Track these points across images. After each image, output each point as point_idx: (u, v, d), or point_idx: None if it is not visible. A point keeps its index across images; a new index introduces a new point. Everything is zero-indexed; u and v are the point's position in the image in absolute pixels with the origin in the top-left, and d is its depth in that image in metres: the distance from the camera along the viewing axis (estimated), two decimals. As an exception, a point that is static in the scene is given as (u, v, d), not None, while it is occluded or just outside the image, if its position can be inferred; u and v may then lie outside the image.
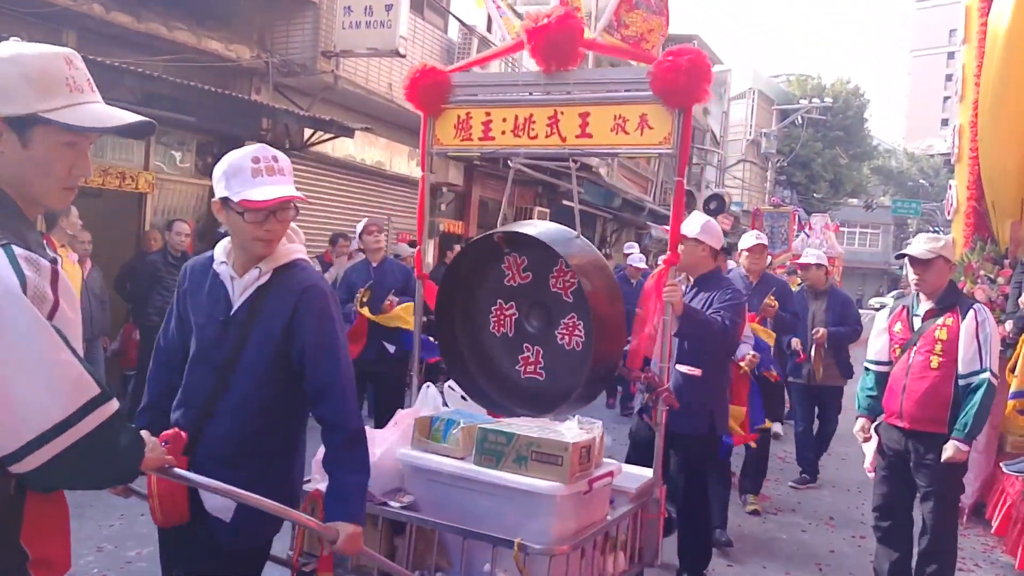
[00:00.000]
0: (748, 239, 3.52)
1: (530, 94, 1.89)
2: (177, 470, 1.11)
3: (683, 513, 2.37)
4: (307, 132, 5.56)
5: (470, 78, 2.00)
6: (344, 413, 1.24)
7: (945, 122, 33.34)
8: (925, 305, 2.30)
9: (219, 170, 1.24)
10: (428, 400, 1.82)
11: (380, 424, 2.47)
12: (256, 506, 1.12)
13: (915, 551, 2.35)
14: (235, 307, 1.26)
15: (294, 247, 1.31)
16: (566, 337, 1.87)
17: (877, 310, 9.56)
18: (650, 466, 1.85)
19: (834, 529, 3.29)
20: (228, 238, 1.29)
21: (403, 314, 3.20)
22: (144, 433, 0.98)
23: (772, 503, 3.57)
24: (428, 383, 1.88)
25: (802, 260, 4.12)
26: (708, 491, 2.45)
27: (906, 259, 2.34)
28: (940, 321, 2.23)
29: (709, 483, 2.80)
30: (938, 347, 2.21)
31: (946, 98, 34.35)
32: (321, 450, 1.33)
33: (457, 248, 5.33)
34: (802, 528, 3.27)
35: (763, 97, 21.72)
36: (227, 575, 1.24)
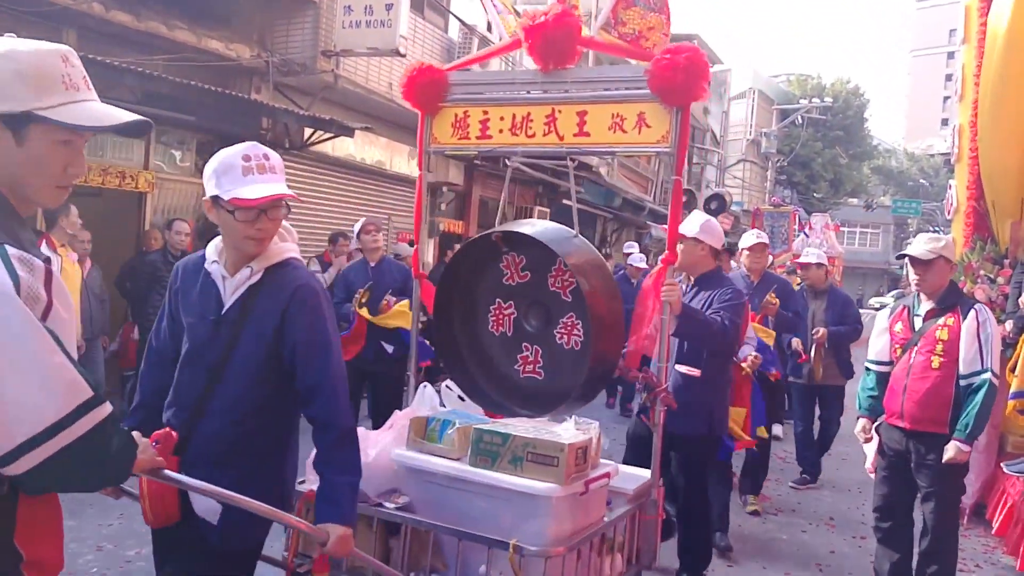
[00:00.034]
0: (749, 238, 3.51)
1: (527, 93, 1.88)
2: (168, 472, 1.10)
3: (683, 513, 2.36)
4: (307, 131, 5.56)
5: (467, 76, 1.99)
6: (335, 413, 1.23)
7: (945, 122, 33.31)
8: (926, 305, 2.30)
9: (210, 168, 1.23)
10: (425, 400, 1.81)
11: (378, 424, 2.47)
12: (246, 508, 1.11)
13: (916, 552, 2.35)
14: (226, 306, 1.25)
15: (286, 246, 1.30)
16: (565, 336, 1.86)
17: (877, 310, 9.55)
18: (648, 467, 1.84)
19: (834, 530, 3.29)
20: (220, 237, 1.28)
21: (402, 311, 3.20)
22: (135, 434, 0.98)
23: (772, 503, 3.56)
24: (425, 383, 1.87)
25: (802, 259, 4.12)
26: (708, 491, 2.44)
27: (907, 259, 2.33)
28: (941, 321, 2.23)
29: (710, 484, 2.80)
30: (939, 347, 2.20)
31: (946, 98, 34.34)
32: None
33: (457, 248, 5.31)
34: (802, 529, 3.26)
35: (763, 97, 21.72)
36: None
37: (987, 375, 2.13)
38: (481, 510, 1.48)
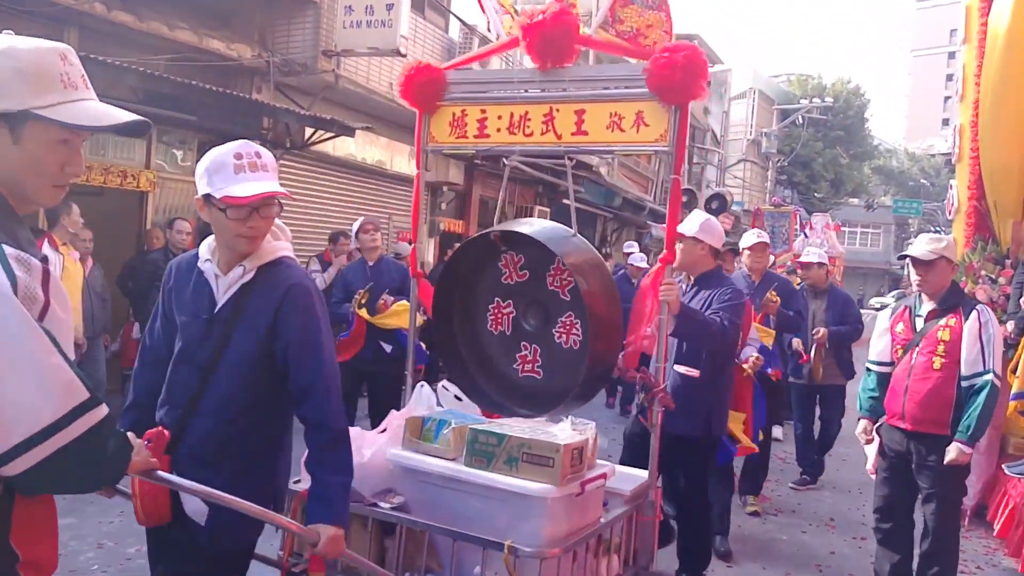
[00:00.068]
0: (749, 237, 3.49)
1: (525, 91, 1.87)
2: (161, 473, 1.10)
3: (682, 514, 2.36)
4: (308, 131, 5.56)
5: (465, 75, 1.97)
6: (328, 413, 1.22)
7: (946, 122, 33.30)
8: (928, 306, 2.29)
9: (201, 167, 1.22)
10: (422, 400, 1.80)
11: (377, 425, 2.46)
12: (237, 509, 1.10)
13: (916, 553, 2.34)
14: (219, 305, 1.24)
15: (279, 245, 1.29)
16: (564, 336, 1.86)
17: (878, 310, 9.52)
18: (646, 467, 1.83)
19: (834, 530, 3.28)
20: (213, 235, 1.28)
21: (400, 311, 3.19)
22: (129, 435, 0.97)
23: (772, 504, 3.56)
24: (423, 382, 1.86)
25: (803, 259, 4.10)
26: (709, 492, 2.43)
27: (908, 260, 2.33)
28: (943, 322, 2.22)
29: (711, 485, 2.79)
30: (941, 348, 2.20)
31: (947, 98, 34.31)
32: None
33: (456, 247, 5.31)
34: (802, 529, 3.25)
35: (764, 97, 21.71)
36: None
37: (989, 376, 2.12)
38: (476, 510, 1.47)
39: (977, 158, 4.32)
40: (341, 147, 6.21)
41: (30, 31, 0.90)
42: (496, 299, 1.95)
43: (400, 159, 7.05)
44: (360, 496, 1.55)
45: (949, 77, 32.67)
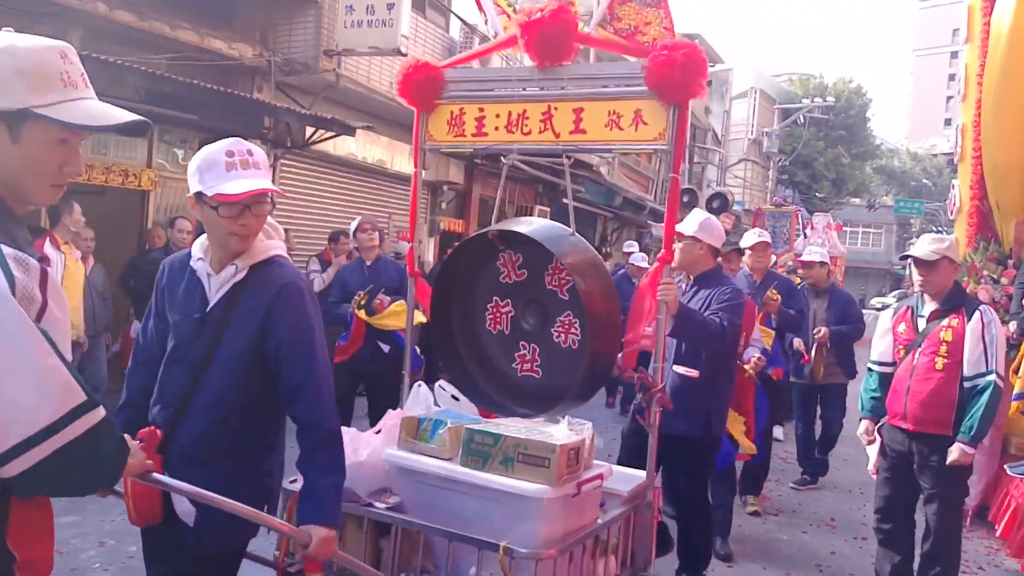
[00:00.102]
0: (751, 237, 3.49)
1: (523, 89, 1.86)
2: (156, 476, 1.09)
3: (683, 514, 2.35)
4: (309, 130, 5.57)
5: (463, 74, 1.96)
6: (320, 412, 1.22)
7: (948, 121, 33.22)
8: (930, 306, 2.29)
9: (193, 165, 1.22)
10: (419, 399, 1.79)
11: (375, 424, 2.46)
12: (230, 511, 1.09)
13: (917, 553, 2.34)
14: (211, 304, 1.24)
15: (272, 243, 1.28)
16: (562, 335, 1.85)
17: (879, 310, 9.50)
18: (644, 468, 1.82)
19: (835, 531, 3.27)
20: (206, 234, 1.27)
21: (398, 311, 3.19)
22: (125, 437, 0.96)
23: (773, 504, 3.55)
24: (420, 382, 1.85)
25: (805, 257, 4.09)
26: (711, 492, 2.43)
27: (910, 260, 2.32)
28: (945, 322, 2.21)
29: (713, 485, 2.78)
30: (943, 348, 2.19)
31: (949, 97, 34.18)
32: None
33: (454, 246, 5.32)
34: (803, 529, 3.25)
35: (765, 96, 21.66)
36: None
37: (992, 377, 2.11)
38: (472, 511, 1.46)
39: (979, 158, 4.31)
40: (342, 146, 6.22)
41: (32, 31, 0.89)
42: (495, 298, 1.94)
43: (401, 158, 7.05)
44: (356, 496, 1.54)
45: (951, 76, 32.61)
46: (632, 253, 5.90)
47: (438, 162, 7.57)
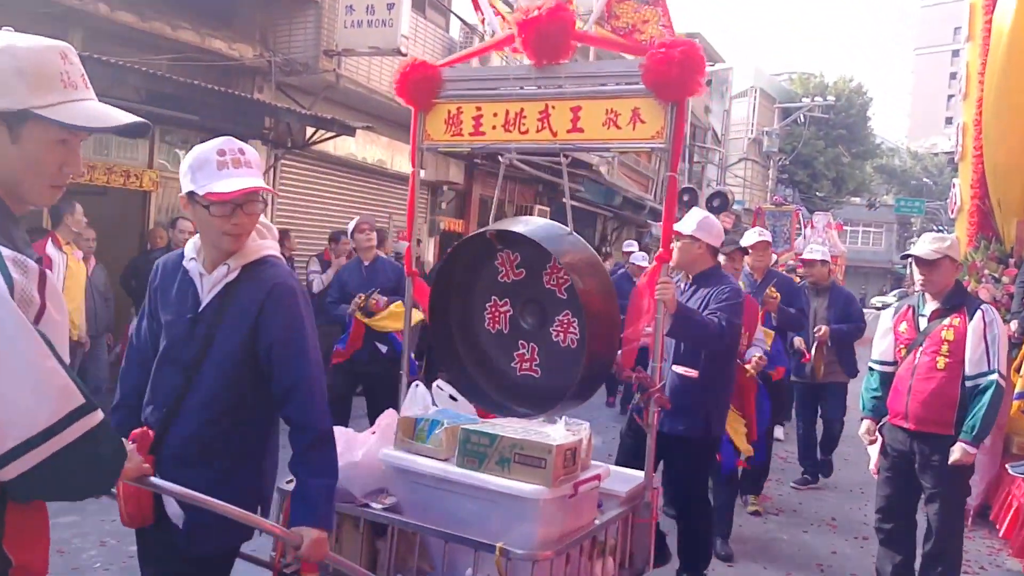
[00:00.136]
0: (751, 236, 3.48)
1: (521, 88, 1.85)
2: (154, 480, 1.08)
3: (683, 514, 2.34)
4: (309, 130, 5.57)
5: (461, 72, 1.95)
6: (312, 413, 1.21)
7: (949, 120, 33.17)
8: (931, 305, 2.28)
9: (185, 164, 1.21)
10: (417, 399, 1.78)
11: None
12: (222, 513, 1.09)
13: (918, 553, 2.33)
14: (203, 304, 1.23)
15: (265, 243, 1.28)
16: (561, 334, 1.84)
17: (879, 309, 9.48)
18: (642, 468, 1.81)
19: (836, 530, 3.27)
20: (199, 234, 1.27)
21: (397, 312, 3.17)
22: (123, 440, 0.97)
23: (773, 504, 3.55)
24: (417, 382, 1.84)
25: (806, 255, 4.08)
26: (712, 494, 2.41)
27: (912, 259, 2.32)
28: (947, 321, 2.21)
29: (716, 484, 2.78)
30: (944, 348, 2.18)
31: (950, 96, 34.15)
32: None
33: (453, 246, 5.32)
34: (803, 529, 3.24)
35: (765, 95, 21.64)
36: None
37: (994, 376, 2.11)
38: (468, 512, 1.45)
39: (980, 156, 4.31)
40: (342, 146, 6.22)
41: (32, 31, 0.89)
42: (493, 297, 1.93)
43: (401, 158, 7.06)
44: (352, 496, 1.53)
45: (953, 75, 32.54)
46: (632, 252, 5.90)
47: (438, 162, 7.57)
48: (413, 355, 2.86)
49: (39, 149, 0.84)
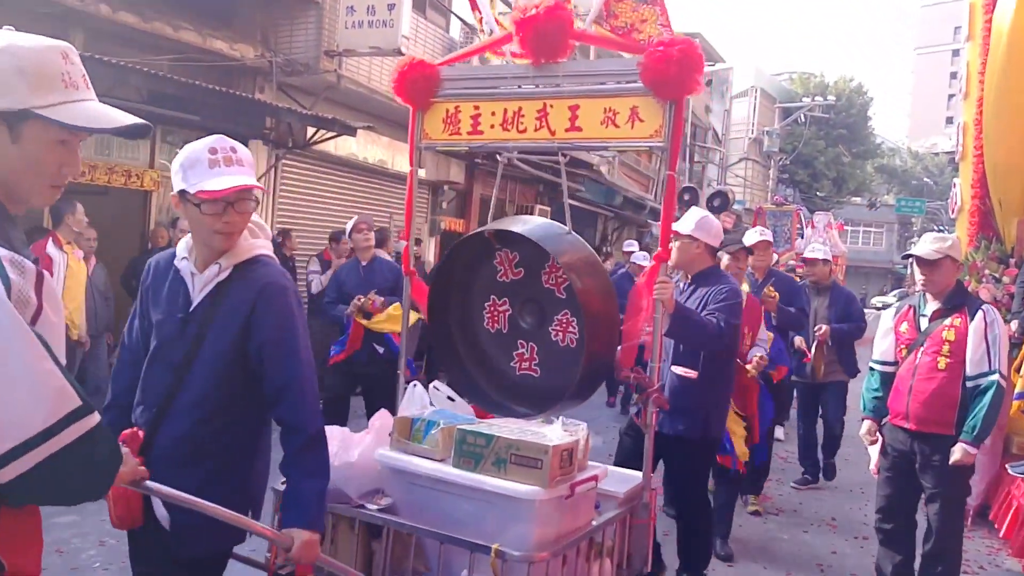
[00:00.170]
0: (752, 236, 3.47)
1: (519, 87, 1.85)
2: (149, 483, 1.07)
3: (682, 514, 2.34)
4: (310, 130, 5.57)
5: (459, 71, 1.94)
6: (303, 414, 1.20)
7: (950, 120, 33.15)
8: (932, 305, 2.28)
9: (176, 163, 1.21)
10: (415, 400, 1.78)
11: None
12: (212, 515, 1.08)
13: (918, 553, 2.33)
14: (194, 304, 1.22)
15: (257, 242, 1.27)
16: (560, 334, 1.84)
17: (879, 310, 9.46)
18: (641, 469, 1.79)
19: (836, 530, 3.26)
20: (191, 233, 1.26)
21: (396, 314, 3.16)
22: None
23: (773, 503, 3.54)
24: (415, 382, 1.84)
25: (808, 254, 4.07)
26: (714, 494, 2.40)
27: (913, 259, 2.31)
28: (948, 322, 2.20)
29: (719, 484, 2.77)
30: (945, 348, 2.18)
31: (951, 96, 34.12)
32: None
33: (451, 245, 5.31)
34: (804, 529, 3.24)
35: (765, 95, 21.64)
36: None
37: (995, 376, 2.11)
38: (465, 513, 1.45)
39: (981, 156, 4.30)
40: (343, 146, 6.22)
41: (34, 32, 0.89)
42: (492, 297, 1.93)
43: (401, 158, 7.06)
44: (347, 497, 1.53)
45: (953, 75, 32.50)
46: (633, 252, 5.90)
47: (439, 162, 7.57)
48: (413, 355, 2.86)
49: (39, 149, 0.84)
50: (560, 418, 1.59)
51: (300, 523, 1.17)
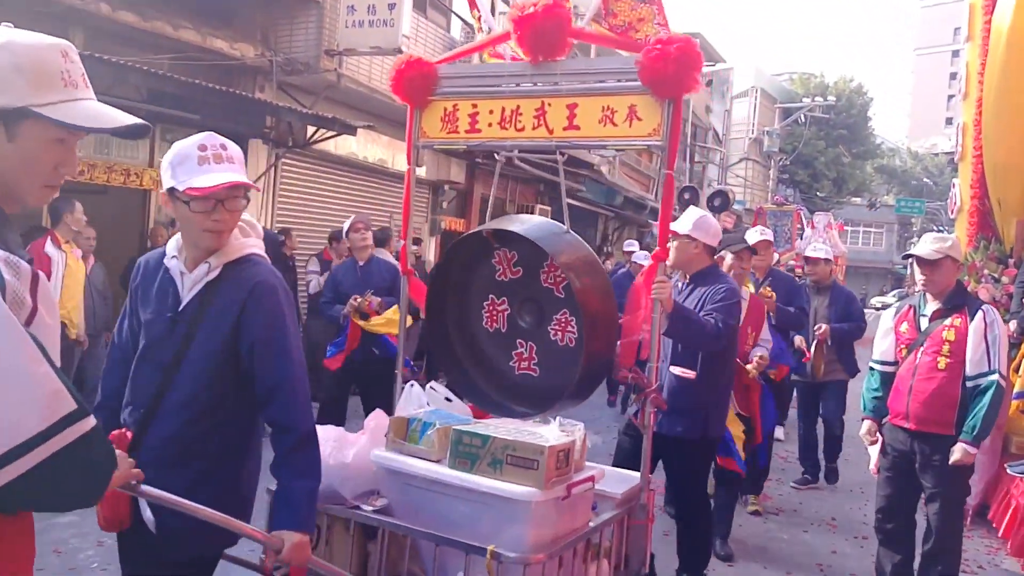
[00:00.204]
0: (753, 235, 3.47)
1: (517, 85, 1.83)
2: (145, 487, 1.06)
3: (682, 515, 2.34)
4: (310, 130, 5.57)
5: (457, 70, 1.93)
6: (294, 414, 1.18)
7: (949, 120, 33.14)
8: (932, 305, 2.28)
9: (166, 160, 1.19)
10: (412, 400, 1.77)
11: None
12: (202, 518, 1.07)
13: (918, 553, 2.33)
14: (183, 303, 1.21)
15: (248, 241, 1.25)
16: (559, 333, 1.83)
17: (879, 310, 9.46)
18: (639, 470, 1.78)
19: (836, 530, 3.26)
20: (181, 232, 1.24)
21: (394, 317, 3.16)
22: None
23: (773, 503, 3.54)
24: (412, 382, 1.83)
25: (809, 253, 4.06)
26: (714, 494, 2.40)
27: (913, 259, 2.31)
28: (948, 322, 2.20)
29: (719, 483, 2.76)
30: (945, 348, 2.18)
31: (950, 96, 34.12)
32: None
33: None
34: (804, 529, 3.24)
35: (766, 95, 21.65)
36: None
37: (995, 376, 2.11)
38: (460, 514, 1.43)
39: (980, 156, 4.31)
40: (343, 146, 6.22)
41: (34, 30, 0.89)
42: (491, 296, 1.92)
43: (401, 158, 7.01)
44: (342, 498, 1.51)
45: (953, 75, 32.52)
46: (633, 252, 5.90)
47: (439, 161, 7.57)
48: (413, 356, 2.85)
49: (36, 148, 0.83)
50: (557, 418, 1.58)
51: (290, 524, 1.16)
